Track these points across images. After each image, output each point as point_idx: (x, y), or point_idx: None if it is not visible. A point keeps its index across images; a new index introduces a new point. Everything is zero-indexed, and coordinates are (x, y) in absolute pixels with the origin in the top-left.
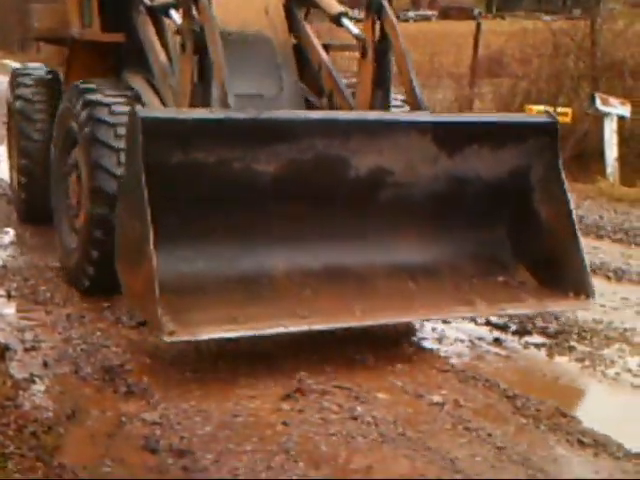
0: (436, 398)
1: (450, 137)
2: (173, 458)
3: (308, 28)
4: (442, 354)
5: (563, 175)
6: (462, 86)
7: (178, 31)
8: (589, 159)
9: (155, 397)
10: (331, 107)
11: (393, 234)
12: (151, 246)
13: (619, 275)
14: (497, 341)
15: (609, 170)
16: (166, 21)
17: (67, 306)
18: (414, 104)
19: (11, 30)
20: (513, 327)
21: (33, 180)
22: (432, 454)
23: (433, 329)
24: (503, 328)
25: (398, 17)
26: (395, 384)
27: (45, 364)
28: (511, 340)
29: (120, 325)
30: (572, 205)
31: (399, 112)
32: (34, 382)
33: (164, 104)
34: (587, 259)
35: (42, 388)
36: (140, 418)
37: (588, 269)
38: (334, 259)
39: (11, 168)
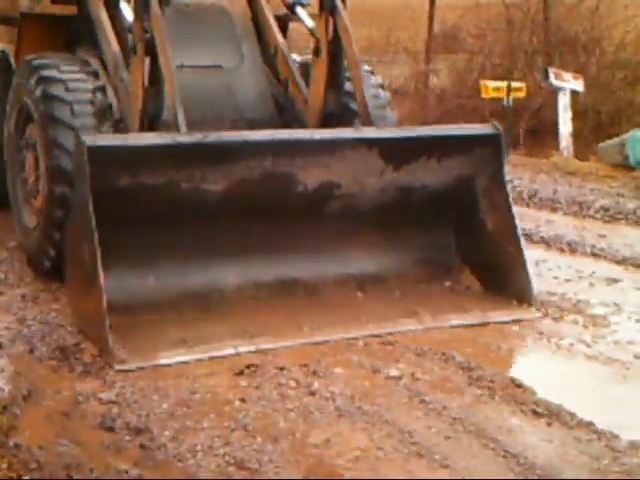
0: (393, 372)
1: (396, 151)
2: (130, 436)
3: (264, 4)
4: None
5: (507, 185)
6: (418, 62)
7: (129, 29)
8: (544, 134)
9: (111, 376)
10: (286, 97)
11: (342, 245)
12: (100, 273)
13: (573, 247)
14: None
15: (563, 144)
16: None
17: (21, 287)
18: (365, 118)
19: None
20: None
21: None
22: (389, 427)
23: None
24: None
25: None
26: (352, 359)
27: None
28: None
29: None
30: (515, 214)
31: (346, 129)
32: None
33: (116, 96)
34: (531, 267)
35: None
36: (97, 397)
37: (531, 277)
38: (284, 272)
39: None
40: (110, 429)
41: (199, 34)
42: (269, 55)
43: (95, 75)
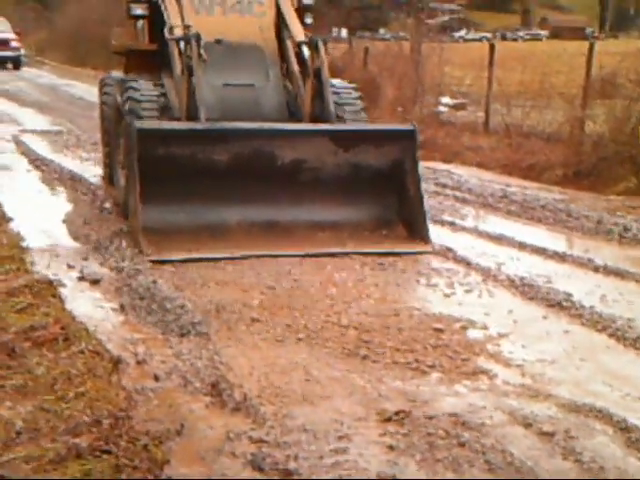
0: None
1: (343, 139)
2: (279, 477)
3: (287, 39)
4: None
5: (419, 164)
6: (573, 107)
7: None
8: None
9: (261, 414)
10: (295, 104)
11: (310, 202)
12: (139, 206)
13: None
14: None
15: None
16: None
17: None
18: (329, 117)
19: (95, 50)
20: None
21: None
22: None
23: None
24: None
25: (505, 37)
26: None
27: (156, 377)
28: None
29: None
30: (421, 185)
31: (309, 124)
32: (145, 395)
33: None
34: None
35: (153, 401)
36: (247, 435)
37: (428, 227)
38: (269, 215)
39: (115, 172)
40: (260, 469)
41: (240, 63)
42: (287, 75)
43: (161, 86)
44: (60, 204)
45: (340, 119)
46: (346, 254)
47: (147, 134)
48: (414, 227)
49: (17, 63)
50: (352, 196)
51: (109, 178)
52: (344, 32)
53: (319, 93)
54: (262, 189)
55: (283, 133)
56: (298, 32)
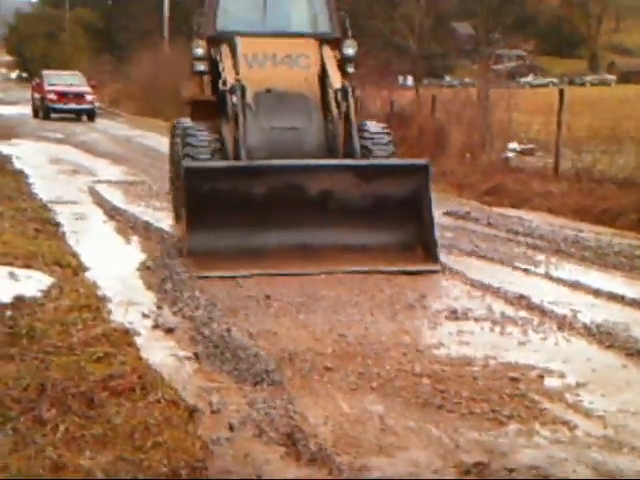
0: None
1: (365, 173)
2: None
3: (329, 87)
4: None
5: (431, 195)
6: None
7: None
8: None
9: (338, 465)
10: (334, 143)
11: (339, 228)
12: (187, 233)
13: None
14: None
15: None
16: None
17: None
18: (353, 153)
19: (167, 102)
20: None
21: None
22: None
23: None
24: None
25: (572, 82)
26: None
27: (231, 427)
28: None
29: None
30: (433, 211)
31: (335, 160)
32: (221, 445)
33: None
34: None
35: (229, 451)
36: None
37: (438, 249)
38: (303, 240)
39: (179, 210)
40: None
41: (286, 109)
42: (328, 118)
43: (214, 132)
44: (135, 253)
45: (368, 155)
46: (413, 306)
47: (193, 172)
48: (428, 249)
49: (92, 115)
50: (375, 222)
51: (177, 216)
52: (410, 80)
53: (348, 133)
54: (295, 217)
55: (311, 168)
56: (336, 81)
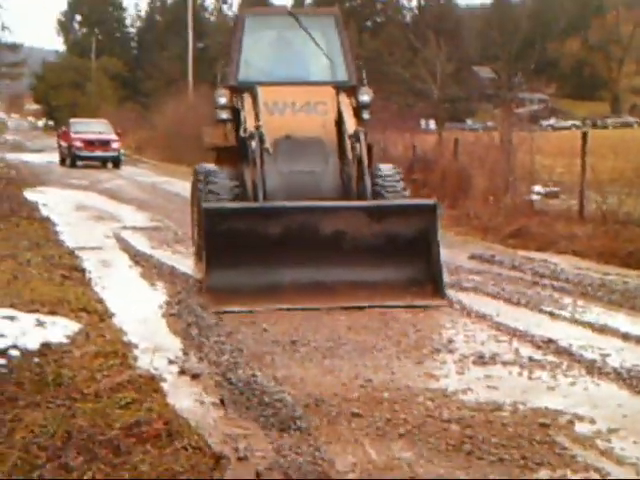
0: None
1: (375, 213)
2: None
3: (346, 132)
4: None
5: (438, 233)
6: None
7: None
8: None
9: None
10: (349, 185)
11: (352, 265)
12: (206, 270)
13: None
14: None
15: None
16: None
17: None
18: (365, 194)
19: (190, 148)
20: None
21: None
22: None
23: None
24: None
25: (595, 125)
26: None
27: (257, 474)
28: None
29: (333, 440)
30: (440, 249)
31: (347, 202)
32: None
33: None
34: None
35: None
36: None
37: (444, 283)
38: (317, 278)
39: (201, 249)
40: None
41: (304, 153)
42: (344, 162)
43: (236, 176)
44: (160, 299)
45: (380, 197)
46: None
47: (212, 213)
48: (436, 285)
49: (117, 162)
50: (385, 260)
51: (199, 256)
52: (432, 124)
53: (360, 175)
54: (310, 255)
55: (323, 209)
56: (350, 126)
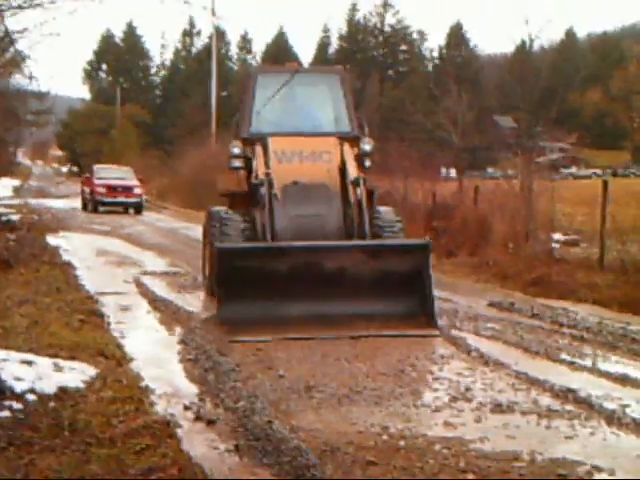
0: None
1: (372, 251)
2: None
3: (348, 177)
4: None
5: (431, 270)
6: None
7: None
8: None
9: None
10: (351, 227)
11: (353, 299)
12: (220, 305)
13: None
14: None
15: None
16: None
17: (295, 461)
18: (363, 235)
19: (210, 194)
20: None
21: None
22: None
23: None
24: None
25: (616, 174)
26: None
27: None
28: None
29: None
30: (433, 285)
31: (347, 242)
32: None
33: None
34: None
35: None
36: None
37: (436, 317)
38: (322, 310)
39: (213, 285)
40: None
41: (311, 197)
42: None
43: (247, 219)
44: (177, 344)
45: (379, 236)
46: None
47: (225, 252)
48: (429, 316)
49: (139, 208)
50: (382, 294)
51: (211, 291)
52: (453, 172)
53: (360, 218)
54: (314, 290)
55: (326, 249)
56: (352, 173)
